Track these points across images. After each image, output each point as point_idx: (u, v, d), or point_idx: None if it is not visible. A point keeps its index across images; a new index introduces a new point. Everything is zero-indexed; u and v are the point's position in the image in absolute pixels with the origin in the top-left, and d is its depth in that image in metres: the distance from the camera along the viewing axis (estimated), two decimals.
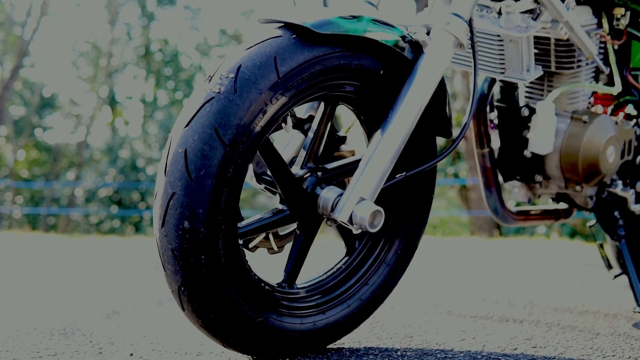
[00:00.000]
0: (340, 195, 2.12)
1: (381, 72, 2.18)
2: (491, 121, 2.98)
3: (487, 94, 2.95)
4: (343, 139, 2.41)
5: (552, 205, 3.23)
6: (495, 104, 2.93)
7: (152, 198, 20.89)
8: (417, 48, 2.21)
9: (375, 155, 2.10)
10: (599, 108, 3.03)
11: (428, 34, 2.24)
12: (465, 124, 2.30)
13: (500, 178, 3.04)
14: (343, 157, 2.39)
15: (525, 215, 3.16)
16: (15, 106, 24.08)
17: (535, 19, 2.62)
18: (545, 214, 3.21)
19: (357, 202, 2.06)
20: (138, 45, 24.94)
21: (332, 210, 2.11)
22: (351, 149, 2.42)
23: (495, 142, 2.98)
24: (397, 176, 2.25)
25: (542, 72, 2.66)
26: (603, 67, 2.89)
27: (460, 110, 13.56)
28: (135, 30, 25.16)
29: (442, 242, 7.73)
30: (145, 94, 25.17)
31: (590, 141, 2.83)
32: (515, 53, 2.56)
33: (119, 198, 21.54)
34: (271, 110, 1.95)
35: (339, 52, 2.06)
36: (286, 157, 2.37)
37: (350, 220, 2.06)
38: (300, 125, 2.31)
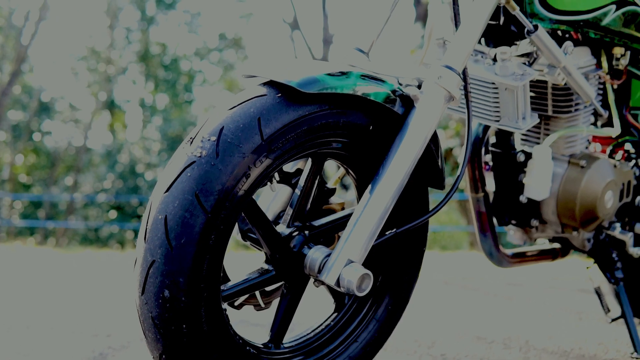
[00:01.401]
0: (328, 256, 2.05)
1: (370, 128, 2.11)
2: (486, 163, 2.91)
3: (482, 137, 2.88)
4: (332, 191, 2.34)
5: (548, 245, 3.16)
6: (491, 148, 2.86)
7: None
8: (408, 102, 2.13)
9: (364, 214, 2.02)
10: (597, 146, 2.97)
11: (420, 86, 2.16)
12: (459, 174, 2.23)
13: (495, 221, 2.98)
14: (332, 210, 2.32)
15: (521, 257, 3.09)
16: (13, 111, 24.01)
17: (531, 64, 2.55)
18: (542, 254, 3.14)
19: (345, 265, 1.98)
20: (137, 49, 24.89)
21: (319, 271, 2.04)
22: (341, 202, 2.35)
23: (490, 185, 2.91)
24: (387, 233, 2.18)
25: (538, 120, 2.60)
26: (602, 111, 2.83)
27: (459, 120, 13.47)
28: (134, 34, 25.12)
29: (439, 259, 7.66)
30: (144, 99, 25.12)
31: (587, 187, 2.77)
32: (510, 101, 2.49)
33: (118, 203, 21.50)
34: (255, 173, 1.88)
35: (326, 110, 1.98)
36: (273, 211, 2.30)
37: (338, 283, 1.99)
38: (288, 179, 2.24)
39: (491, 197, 2.94)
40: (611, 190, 2.84)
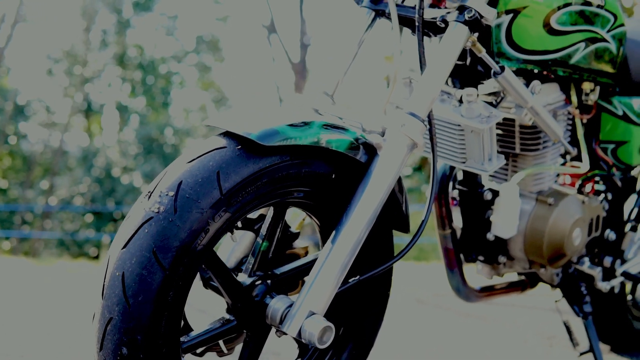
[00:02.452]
0: (290, 306, 2.02)
1: (333, 176, 2.08)
2: (454, 198, 2.89)
3: (449, 174, 2.86)
4: (296, 235, 2.32)
5: (517, 277, 3.15)
6: (458, 186, 2.84)
7: (127, 207, 20.79)
8: (371, 150, 2.10)
9: (326, 264, 1.99)
10: (567, 179, 2.95)
11: (383, 134, 2.14)
12: (424, 218, 2.20)
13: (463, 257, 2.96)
14: (296, 255, 2.29)
15: (490, 290, 3.08)
16: None
17: (498, 103, 2.53)
18: (511, 287, 3.13)
19: (307, 317, 1.95)
20: (114, 52, 24.78)
21: (281, 322, 2.01)
22: (305, 245, 2.33)
23: (457, 220, 2.89)
24: (350, 281, 2.15)
25: (504, 162, 2.57)
26: (570, 149, 2.82)
27: None
28: (110, 37, 25.00)
29: (414, 271, 7.61)
30: (121, 102, 25.00)
31: (555, 225, 2.75)
32: (476, 143, 2.47)
33: (94, 207, 21.40)
34: (214, 227, 1.85)
35: (287, 162, 1.96)
36: (235, 256, 2.28)
37: (299, 335, 1.96)
38: (250, 225, 2.21)
39: (458, 233, 2.92)
40: (579, 227, 2.83)
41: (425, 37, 2.35)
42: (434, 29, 2.35)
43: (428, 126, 2.20)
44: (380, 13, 2.44)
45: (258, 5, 39.33)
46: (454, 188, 2.88)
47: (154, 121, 23.65)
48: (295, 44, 27.20)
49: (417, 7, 2.26)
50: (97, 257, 20.57)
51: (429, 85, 2.15)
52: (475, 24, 2.19)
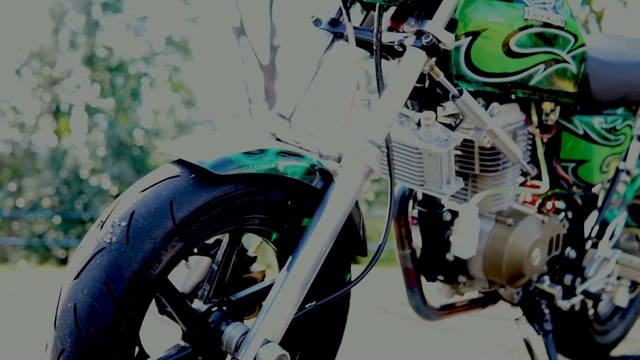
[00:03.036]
0: (246, 333, 2.01)
1: (289, 203, 2.07)
2: (413, 218, 2.89)
3: (408, 194, 2.86)
4: (253, 260, 2.30)
5: (478, 294, 3.15)
6: (417, 208, 2.83)
7: (95, 209, 20.68)
8: (327, 177, 2.09)
9: (282, 291, 1.98)
10: (528, 196, 2.95)
11: (340, 160, 2.13)
12: (382, 243, 2.20)
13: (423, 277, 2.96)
14: (253, 279, 2.28)
15: (450, 308, 3.08)
16: None
17: (457, 125, 2.53)
18: (472, 304, 3.13)
19: (262, 345, 1.94)
20: (83, 53, 24.62)
21: (236, 350, 2.00)
22: (262, 269, 2.32)
23: (417, 239, 2.89)
24: (306, 306, 2.15)
25: (463, 184, 2.57)
26: (529, 170, 2.82)
27: None
28: (80, 38, 24.83)
29: (380, 278, 7.60)
30: (90, 103, 24.83)
31: (514, 245, 2.75)
32: (434, 167, 2.47)
33: (63, 209, 21.25)
34: (167, 257, 1.84)
35: (242, 190, 1.94)
36: (192, 281, 2.27)
37: None
38: (206, 250, 2.19)
39: (418, 253, 2.91)
40: (538, 247, 2.83)
41: (383, 60, 2.34)
42: (392, 52, 2.34)
43: (385, 150, 2.19)
44: (339, 35, 2.43)
45: (228, 6, 39.34)
46: (413, 207, 2.88)
47: (123, 123, 23.51)
48: (265, 46, 27.18)
49: (375, 31, 2.25)
50: (65, 260, 20.47)
51: (385, 110, 2.14)
52: (432, 49, 2.19)
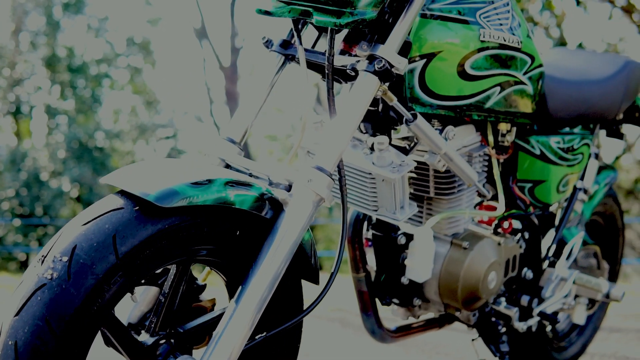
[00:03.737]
0: None
1: (237, 233, 2.02)
2: (368, 239, 2.85)
3: (362, 217, 2.82)
4: (202, 288, 2.24)
5: (434, 315, 3.11)
6: (371, 231, 2.79)
7: (55, 212, 20.53)
8: (277, 206, 2.04)
9: (231, 323, 1.93)
10: (484, 216, 2.92)
11: (290, 188, 2.08)
12: (334, 270, 2.16)
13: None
14: (203, 308, 2.22)
15: (406, 330, 3.04)
16: None
17: (411, 148, 2.49)
18: (428, 324, 3.09)
19: None
20: (44, 54, 24.41)
21: None
22: (211, 298, 2.26)
23: (371, 260, 2.85)
24: (257, 337, 2.10)
25: (417, 210, 2.54)
26: (485, 193, 2.79)
27: None
28: (40, 39, 24.62)
29: (343, 284, 7.55)
30: (50, 104, 24.63)
31: (470, 269, 2.72)
32: (388, 192, 2.42)
33: (22, 211, 21.06)
34: (111, 291, 1.78)
35: (188, 222, 1.89)
36: (139, 311, 2.20)
37: None
38: (153, 279, 2.13)
39: (373, 275, 2.87)
40: (494, 271, 2.80)
41: (335, 83, 2.30)
42: (344, 76, 2.29)
43: (338, 175, 2.15)
44: (290, 58, 2.38)
45: (189, 7, 39.21)
46: (367, 229, 2.83)
47: (84, 124, 23.34)
48: (226, 47, 27.09)
49: (327, 55, 2.21)
50: (25, 263, 20.29)
51: (337, 137, 2.09)
52: (385, 74, 2.14)
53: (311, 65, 2.32)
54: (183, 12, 40.23)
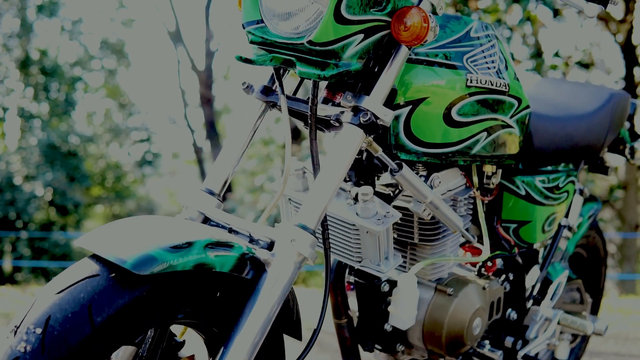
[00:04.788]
0: None
1: (218, 295, 1.95)
2: (349, 283, 2.78)
3: (344, 263, 2.75)
4: (181, 345, 2.17)
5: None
6: (354, 278, 2.72)
7: (28, 216, 20.38)
8: (258, 266, 1.97)
9: None
10: (468, 255, 2.85)
11: (272, 247, 2.01)
12: (318, 327, 2.09)
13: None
14: None
15: None
16: None
17: (395, 196, 2.43)
18: None
19: None
20: (16, 57, 24.21)
21: None
22: (190, 354, 2.19)
23: (353, 304, 2.78)
24: None
25: (401, 261, 2.47)
26: (470, 238, 2.72)
27: None
28: (14, 41, 24.41)
29: (315, 298, 7.49)
30: (23, 108, 24.42)
31: (455, 315, 2.66)
32: (372, 244, 2.35)
33: None
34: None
35: (167, 287, 1.81)
36: None
37: None
38: (131, 339, 2.05)
39: (355, 319, 2.80)
40: (479, 317, 2.74)
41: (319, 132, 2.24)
42: (327, 125, 2.23)
43: (320, 229, 2.09)
44: (272, 105, 2.31)
45: (164, 10, 39.07)
46: (350, 273, 2.77)
47: (57, 128, 23.17)
48: (201, 51, 27.00)
49: (310, 104, 2.14)
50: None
51: (320, 194, 2.03)
52: (371, 127, 2.07)
53: (293, 113, 2.25)
54: (157, 15, 40.11)
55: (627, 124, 3.62)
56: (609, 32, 13.66)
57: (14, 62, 24.12)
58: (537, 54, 12.67)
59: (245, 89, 2.34)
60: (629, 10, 12.75)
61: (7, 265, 20.81)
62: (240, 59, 2.18)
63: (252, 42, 2.16)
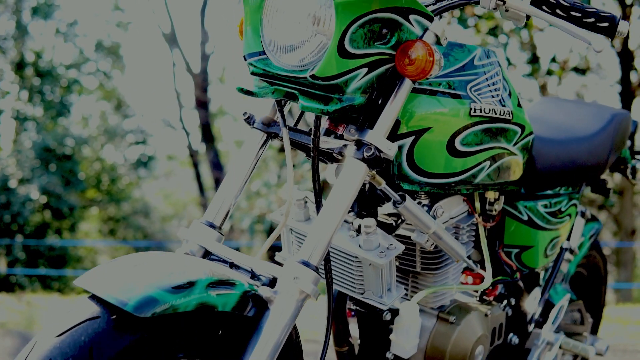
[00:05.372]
0: None
1: (220, 333, 1.92)
2: (350, 310, 2.76)
3: None
4: None
5: None
6: (355, 307, 2.69)
7: (23, 219, 20.34)
8: (261, 304, 1.94)
9: None
10: (469, 279, 2.83)
11: (274, 283, 1.98)
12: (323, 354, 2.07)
13: None
14: None
15: None
16: None
17: (398, 225, 2.41)
18: None
19: None
20: (11, 59, 24.15)
21: None
22: None
23: (354, 331, 2.76)
24: None
25: (404, 292, 2.45)
26: (473, 266, 2.70)
27: None
28: (9, 43, 24.35)
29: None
30: (18, 110, 24.36)
31: (457, 344, 2.63)
32: (375, 276, 2.33)
33: None
34: None
35: (169, 328, 1.79)
36: None
37: None
38: None
39: (356, 347, 2.78)
40: (482, 344, 2.72)
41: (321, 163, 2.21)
42: (330, 157, 2.20)
43: (323, 262, 2.06)
44: (273, 136, 2.28)
45: (159, 12, 39.05)
46: (350, 300, 2.74)
47: (52, 130, 23.10)
48: (196, 54, 26.97)
49: (312, 136, 2.11)
50: None
51: (323, 230, 2.00)
52: (374, 161, 2.04)
53: (295, 144, 2.23)
54: (153, 17, 40.10)
55: (628, 142, 3.60)
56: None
57: (9, 64, 24.07)
58: (534, 59, 12.68)
59: (246, 120, 2.30)
60: (626, 16, 12.73)
61: (2, 266, 20.77)
62: (242, 90, 2.15)
63: (253, 74, 2.14)
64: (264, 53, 2.10)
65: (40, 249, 20.65)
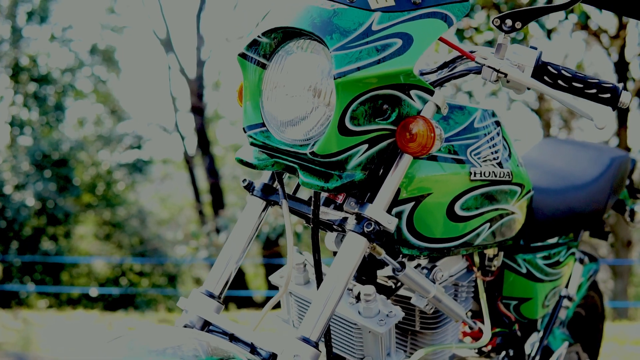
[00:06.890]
0: None
1: None
2: None
3: None
4: None
5: None
6: None
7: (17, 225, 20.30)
8: None
9: None
10: (467, 339, 2.83)
11: (275, 358, 1.98)
12: None
13: None
14: None
15: None
16: None
17: (397, 288, 2.41)
18: None
19: None
20: (6, 63, 24.08)
21: None
22: None
23: None
24: None
25: (404, 357, 2.43)
26: (472, 325, 2.69)
27: None
28: (4, 47, 24.28)
29: None
30: (13, 115, 24.27)
31: None
32: (374, 343, 2.32)
33: None
34: None
35: None
36: None
37: None
38: None
39: None
40: None
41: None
42: (330, 227, 2.19)
43: (323, 346, 2.06)
44: (273, 203, 2.27)
45: (155, 17, 39.00)
46: None
47: (47, 135, 23.04)
48: (192, 59, 26.94)
49: (312, 208, 2.10)
50: None
51: (324, 304, 1.99)
52: (374, 235, 2.03)
53: (295, 213, 2.22)
54: (148, 22, 40.03)
55: (627, 181, 3.59)
56: (602, 47, 13.64)
57: (4, 69, 24.01)
58: None
59: (245, 187, 2.29)
60: (622, 26, 12.73)
61: None
62: (241, 162, 2.14)
63: (253, 145, 2.13)
64: (264, 125, 2.09)
65: (36, 259, 20.58)
